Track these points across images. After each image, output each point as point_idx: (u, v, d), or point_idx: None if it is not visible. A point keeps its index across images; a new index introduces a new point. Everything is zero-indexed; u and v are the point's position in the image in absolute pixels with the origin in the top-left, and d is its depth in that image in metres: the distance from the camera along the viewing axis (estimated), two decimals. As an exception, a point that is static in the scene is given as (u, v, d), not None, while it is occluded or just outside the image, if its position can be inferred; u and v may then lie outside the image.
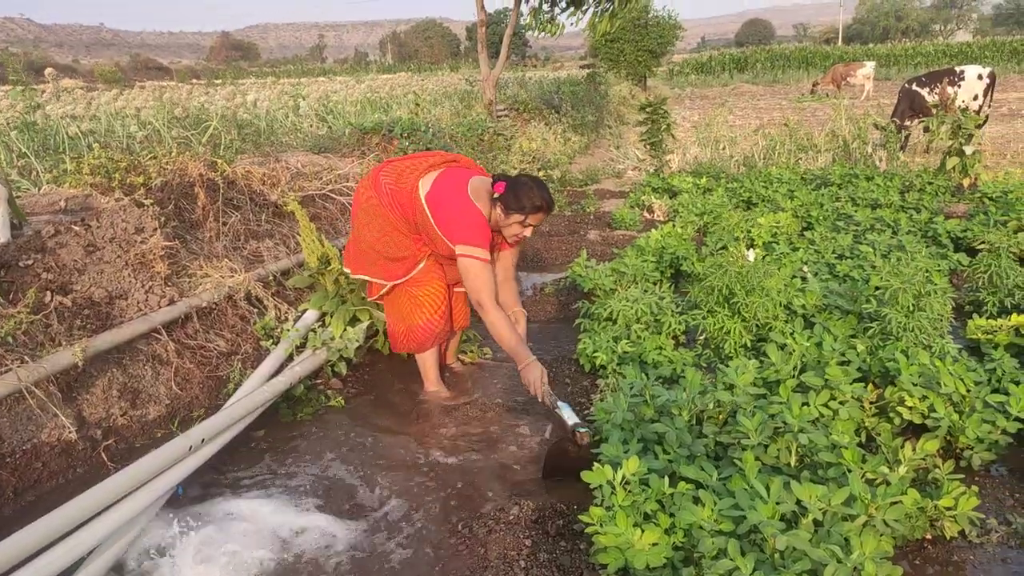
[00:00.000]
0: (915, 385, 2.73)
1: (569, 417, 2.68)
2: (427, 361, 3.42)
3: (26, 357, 2.70)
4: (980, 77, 9.73)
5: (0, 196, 3.36)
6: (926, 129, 8.15)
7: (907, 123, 9.87)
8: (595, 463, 2.23)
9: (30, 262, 3.19)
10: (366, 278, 3.36)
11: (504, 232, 3.08)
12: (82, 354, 2.82)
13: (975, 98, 9.69)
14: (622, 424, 2.61)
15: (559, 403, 2.76)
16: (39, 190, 4.26)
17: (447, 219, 2.99)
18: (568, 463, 2.59)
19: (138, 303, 3.34)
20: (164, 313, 3.36)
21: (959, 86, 9.77)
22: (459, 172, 3.13)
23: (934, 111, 9.03)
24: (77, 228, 3.49)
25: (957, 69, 9.98)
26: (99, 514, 2.18)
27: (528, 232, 3.06)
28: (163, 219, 3.84)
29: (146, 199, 3.85)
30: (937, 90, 9.80)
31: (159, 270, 3.51)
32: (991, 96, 9.85)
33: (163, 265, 3.54)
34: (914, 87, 10.03)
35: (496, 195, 2.99)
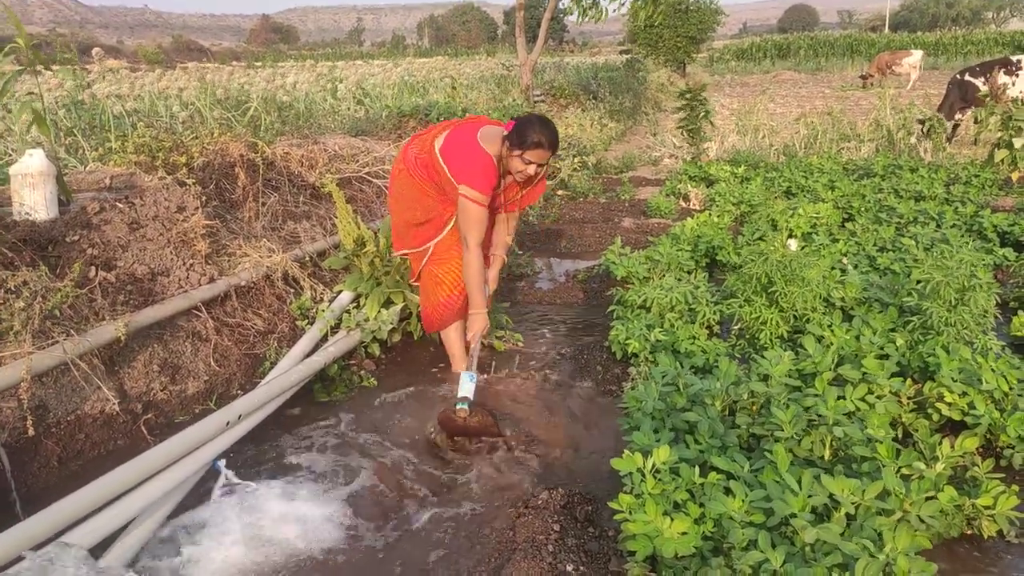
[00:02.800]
0: (955, 381, 2.68)
1: (463, 389, 2.96)
2: (452, 340, 3.52)
3: (71, 330, 2.78)
4: None
5: (48, 174, 3.44)
6: (976, 120, 7.90)
7: (958, 116, 9.60)
8: (625, 451, 2.23)
9: (76, 238, 3.28)
10: (406, 251, 3.48)
11: (510, 168, 3.13)
12: (125, 329, 2.89)
13: None
14: (653, 413, 2.60)
15: (465, 372, 3.02)
16: (85, 168, 4.37)
17: (456, 163, 3.11)
18: (450, 430, 2.94)
19: (179, 280, 3.41)
20: (204, 291, 3.43)
21: (1017, 75, 9.45)
22: (469, 124, 3.25)
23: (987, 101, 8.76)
24: (121, 205, 3.57)
25: (1013, 58, 9.65)
26: (140, 484, 2.25)
27: (531, 170, 3.09)
28: (204, 198, 3.91)
29: (188, 178, 3.92)
30: (993, 80, 9.51)
31: (200, 248, 3.58)
32: None
33: (204, 243, 3.60)
34: (967, 77, 9.72)
35: (505, 134, 3.09)
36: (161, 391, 3.05)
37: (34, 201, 3.37)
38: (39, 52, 3.79)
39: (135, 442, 2.84)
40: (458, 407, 2.91)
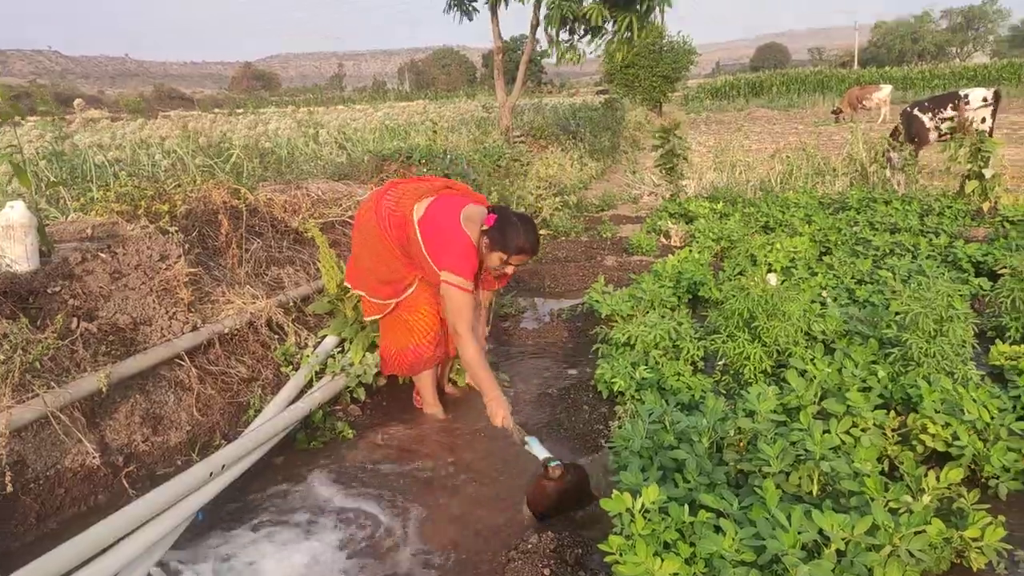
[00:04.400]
0: (938, 412, 2.71)
1: (539, 452, 2.69)
2: (424, 384, 3.52)
3: (52, 382, 2.74)
4: (985, 100, 9.70)
5: (29, 225, 3.43)
6: (912, 154, 8.20)
7: (909, 147, 9.89)
8: (615, 491, 2.22)
9: (57, 289, 3.26)
10: (361, 294, 3.42)
11: (487, 264, 3.05)
12: (106, 380, 2.86)
13: (983, 120, 9.65)
14: (641, 451, 2.60)
15: (527, 438, 2.78)
16: (67, 218, 4.35)
17: (436, 244, 3.01)
18: (548, 498, 2.59)
19: (162, 329, 3.39)
20: (187, 339, 3.40)
21: (963, 110, 9.75)
22: (453, 199, 3.14)
23: (935, 136, 9.08)
24: (103, 255, 3.56)
25: (961, 92, 9.95)
26: (121, 540, 2.20)
27: (510, 271, 3.08)
28: (187, 246, 3.90)
29: (171, 226, 3.92)
30: (942, 115, 9.81)
31: (183, 296, 3.56)
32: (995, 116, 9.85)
33: (187, 292, 3.59)
34: (915, 112, 10.00)
35: (485, 227, 2.98)
36: (143, 442, 3.01)
37: (15, 253, 3.35)
38: (17, 104, 3.81)
39: (116, 496, 2.78)
40: (551, 465, 2.59)
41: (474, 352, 2.93)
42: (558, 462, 2.61)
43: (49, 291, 3.26)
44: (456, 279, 2.91)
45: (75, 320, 3.14)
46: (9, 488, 2.44)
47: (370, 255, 3.27)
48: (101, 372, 2.88)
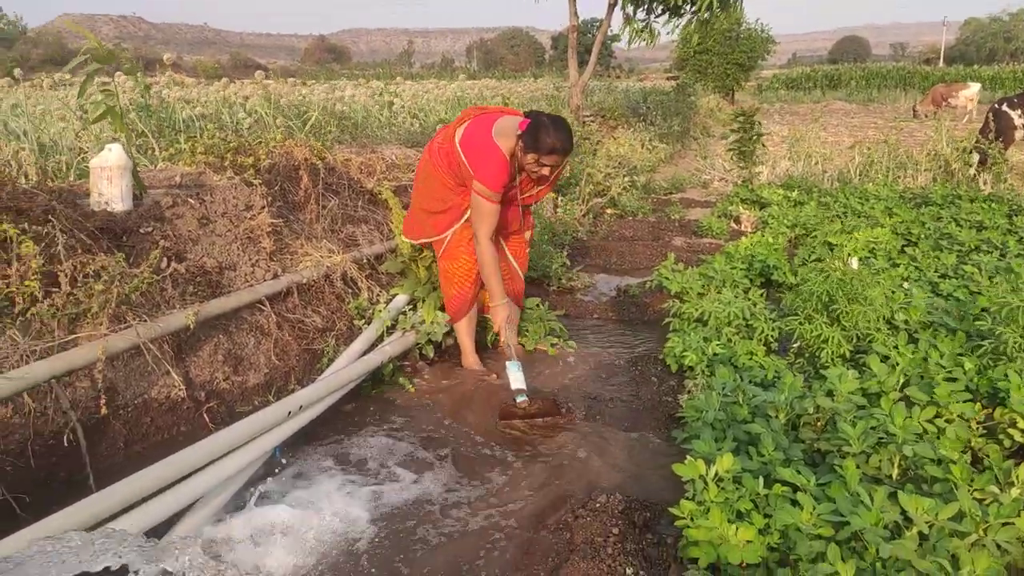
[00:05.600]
0: (1029, 407, 2.59)
1: (515, 382, 3.11)
2: (461, 334, 3.70)
3: (144, 316, 2.86)
4: None
5: (125, 167, 3.57)
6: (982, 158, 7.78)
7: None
8: (687, 456, 2.21)
9: (149, 229, 3.39)
10: (423, 240, 3.68)
11: (524, 167, 3.23)
12: (194, 317, 2.97)
13: None
14: (713, 423, 2.57)
15: (511, 362, 3.17)
16: (156, 167, 4.51)
17: (474, 158, 3.25)
18: (512, 417, 3.06)
19: (245, 275, 3.49)
20: (268, 286, 3.50)
21: None
22: (487, 117, 3.36)
23: (1022, 135, 8.61)
24: (192, 201, 3.68)
25: None
26: (208, 465, 2.29)
27: (546, 171, 3.21)
28: (269, 198, 4.00)
29: (255, 179, 4.03)
30: None
31: (265, 245, 3.66)
32: None
33: (269, 241, 3.69)
34: (1004, 107, 9.50)
35: (519, 132, 3.15)
36: (224, 380, 3.12)
37: (111, 193, 3.50)
38: (111, 52, 3.94)
39: (196, 429, 2.90)
40: (518, 400, 3.06)
41: (490, 255, 3.30)
42: (525, 398, 3.07)
43: (141, 231, 3.39)
44: (484, 189, 3.19)
45: (165, 260, 3.26)
46: (103, 411, 2.57)
47: (424, 193, 3.53)
48: (190, 309, 2.99)
